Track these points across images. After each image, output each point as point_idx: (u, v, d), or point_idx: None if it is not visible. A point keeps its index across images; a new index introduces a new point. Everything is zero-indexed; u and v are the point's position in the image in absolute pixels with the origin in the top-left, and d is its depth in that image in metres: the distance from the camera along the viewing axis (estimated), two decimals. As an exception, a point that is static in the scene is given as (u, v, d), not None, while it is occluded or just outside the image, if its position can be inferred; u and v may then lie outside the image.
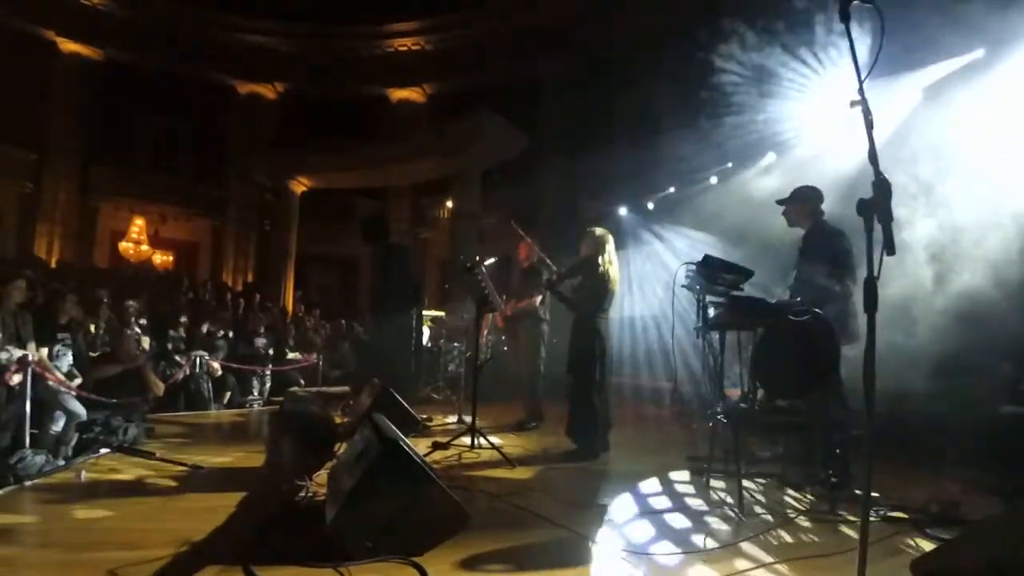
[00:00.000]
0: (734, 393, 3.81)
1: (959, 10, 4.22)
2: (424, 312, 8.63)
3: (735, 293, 3.24)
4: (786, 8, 5.33)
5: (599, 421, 4.11)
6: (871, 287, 1.67)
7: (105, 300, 7.08)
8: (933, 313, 4.08)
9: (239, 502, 2.83)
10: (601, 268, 4.19)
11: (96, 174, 14.50)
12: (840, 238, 3.35)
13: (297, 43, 15.73)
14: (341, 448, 3.13)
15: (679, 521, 2.76)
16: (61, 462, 3.62)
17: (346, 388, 7.64)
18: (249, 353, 7.48)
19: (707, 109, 6.74)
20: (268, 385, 7.41)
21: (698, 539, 2.48)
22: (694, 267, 3.37)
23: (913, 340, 3.98)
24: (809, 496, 3.13)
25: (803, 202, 3.55)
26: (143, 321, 6.64)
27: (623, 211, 9.55)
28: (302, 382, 8.03)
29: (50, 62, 14.03)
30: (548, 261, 5.44)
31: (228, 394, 6.69)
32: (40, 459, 3.40)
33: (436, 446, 4.16)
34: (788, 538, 2.51)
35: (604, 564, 2.23)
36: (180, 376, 6.12)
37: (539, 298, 5.31)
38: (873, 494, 2.46)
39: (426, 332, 8.71)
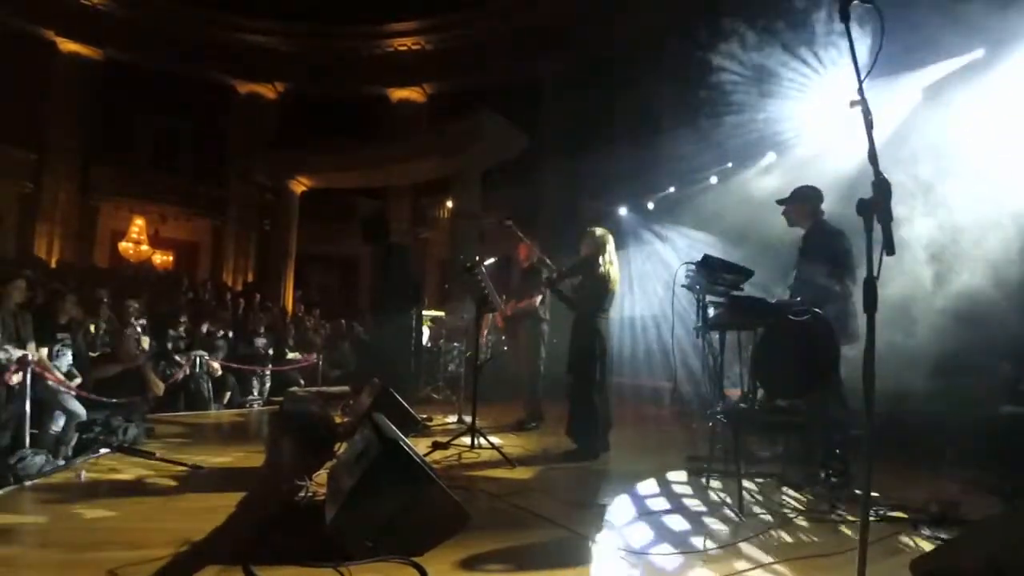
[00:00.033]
0: (734, 393, 3.81)
1: (959, 10, 4.22)
2: (424, 312, 8.63)
3: (735, 293, 3.24)
4: (786, 8, 5.33)
5: (599, 421, 4.11)
6: (871, 287, 1.68)
7: (105, 300, 7.09)
8: (933, 313, 4.08)
9: (239, 502, 2.83)
10: (601, 268, 4.19)
11: (96, 174, 14.50)
12: (840, 238, 3.36)
13: (297, 43, 15.73)
14: (341, 448, 3.13)
15: (679, 521, 2.76)
16: (61, 462, 3.61)
17: (346, 388, 7.64)
18: (249, 353, 7.48)
19: (707, 109, 6.74)
20: (268, 385, 7.41)
21: (698, 539, 2.48)
22: (694, 267, 3.37)
23: (913, 340, 3.98)
24: (809, 496, 3.13)
25: (803, 202, 3.56)
26: (143, 321, 6.64)
27: (623, 211, 9.54)
28: (302, 382, 8.03)
29: (50, 62, 14.02)
30: (548, 261, 5.45)
31: (228, 394, 6.69)
32: (40, 459, 3.40)
33: (436, 446, 4.16)
34: (788, 538, 2.51)
35: (604, 564, 2.23)
36: (180, 376, 6.12)
37: (539, 298, 5.31)
38: (873, 494, 2.47)
39: (426, 332, 8.71)
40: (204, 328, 7.11)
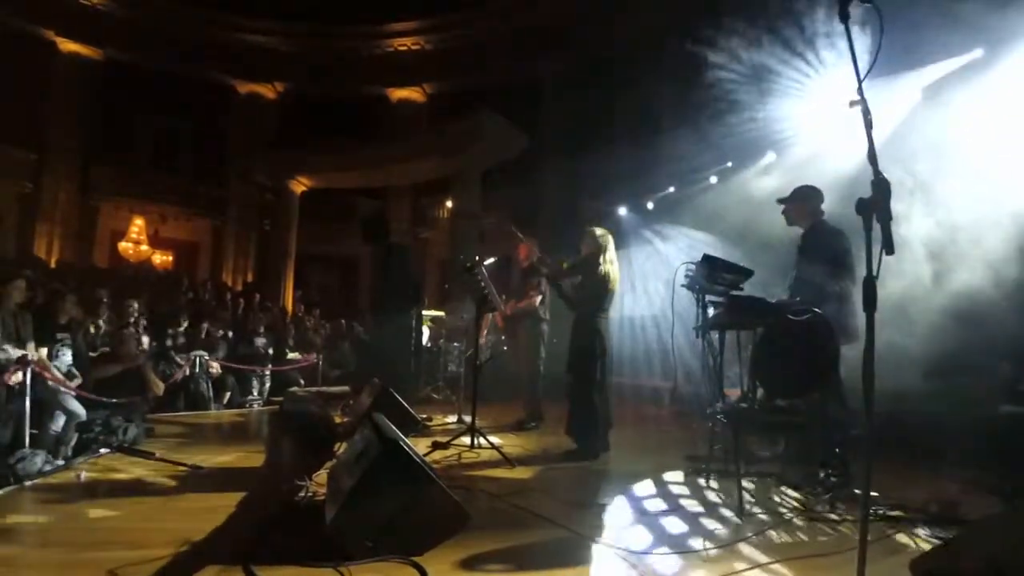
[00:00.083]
0: (734, 393, 3.81)
1: (958, 10, 4.23)
2: (424, 312, 8.62)
3: (735, 293, 3.24)
4: (786, 8, 5.33)
5: (599, 421, 4.11)
6: (870, 286, 1.68)
7: (105, 300, 7.09)
8: (932, 312, 4.09)
9: (239, 502, 2.82)
10: (601, 268, 4.19)
11: (96, 174, 14.50)
12: (839, 237, 3.36)
13: (297, 43, 15.73)
14: (341, 448, 3.13)
15: (678, 521, 2.76)
16: (61, 462, 3.62)
17: (346, 388, 7.63)
18: (249, 353, 7.48)
19: (707, 109, 6.74)
20: (268, 385, 7.42)
21: (697, 539, 2.48)
22: (694, 266, 3.37)
23: (912, 340, 3.98)
24: (808, 496, 3.12)
25: (803, 201, 3.56)
26: (143, 321, 6.64)
27: (623, 211, 9.54)
28: (302, 382, 8.04)
29: (50, 62, 14.02)
30: (548, 261, 5.44)
31: (228, 394, 6.69)
32: (40, 459, 3.40)
33: (436, 446, 4.16)
34: (787, 538, 2.51)
35: (604, 564, 2.23)
36: (180, 376, 6.13)
37: (539, 298, 5.31)
38: (872, 494, 2.47)
39: (426, 332, 8.71)
40: (204, 328, 7.11)
